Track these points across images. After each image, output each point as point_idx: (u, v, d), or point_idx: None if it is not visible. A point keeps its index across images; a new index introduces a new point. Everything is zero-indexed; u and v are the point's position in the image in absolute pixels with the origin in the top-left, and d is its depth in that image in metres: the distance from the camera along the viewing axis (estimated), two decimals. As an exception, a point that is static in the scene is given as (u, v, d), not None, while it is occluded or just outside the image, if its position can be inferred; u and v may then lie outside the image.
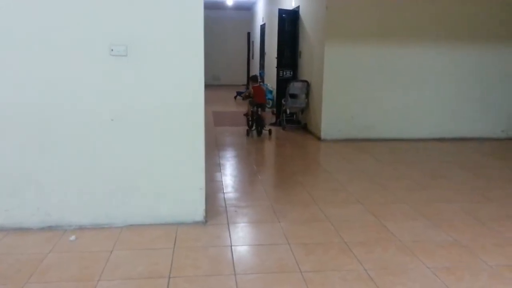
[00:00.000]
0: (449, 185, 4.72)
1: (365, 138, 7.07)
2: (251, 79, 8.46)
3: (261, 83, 12.49)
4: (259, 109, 7.52)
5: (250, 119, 7.70)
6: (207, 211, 3.58)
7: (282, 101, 8.19)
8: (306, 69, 8.15)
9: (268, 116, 9.51)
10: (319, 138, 7.14)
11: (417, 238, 3.33)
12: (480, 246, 3.20)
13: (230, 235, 3.35)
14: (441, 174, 5.19)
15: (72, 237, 3.22)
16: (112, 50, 3.22)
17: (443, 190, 4.55)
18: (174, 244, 3.16)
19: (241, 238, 3.36)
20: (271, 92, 11.00)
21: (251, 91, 7.80)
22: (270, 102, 10.90)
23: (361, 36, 6.90)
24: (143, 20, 3.25)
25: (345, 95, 7.03)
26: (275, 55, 9.05)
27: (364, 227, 3.52)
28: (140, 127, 3.37)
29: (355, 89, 7.03)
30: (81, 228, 3.38)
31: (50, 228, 3.36)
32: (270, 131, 7.65)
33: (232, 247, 3.16)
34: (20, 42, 3.15)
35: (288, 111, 8.18)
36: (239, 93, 12.94)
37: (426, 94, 7.17)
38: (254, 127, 7.63)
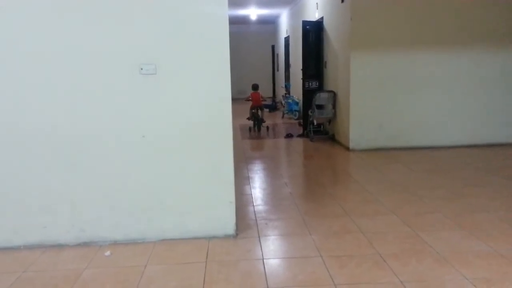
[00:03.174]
0: (483, 193, 4.58)
1: (394, 147, 6.96)
2: (252, 87, 9.92)
3: (287, 95, 12.53)
4: (258, 110, 9.39)
5: (251, 118, 9.48)
6: (237, 224, 3.59)
7: (309, 112, 8.18)
8: (332, 79, 8.12)
9: (295, 128, 9.52)
10: (347, 148, 7.07)
11: (454, 248, 3.24)
12: (521, 256, 3.09)
13: (261, 249, 3.34)
14: (475, 182, 5.05)
15: (107, 253, 3.27)
16: (141, 69, 3.30)
17: (477, 198, 4.42)
18: (206, 258, 3.17)
19: (272, 251, 3.34)
20: (297, 103, 11.01)
21: (250, 96, 9.65)
22: (297, 113, 10.90)
23: (386, 45, 6.84)
24: (171, 39, 3.32)
25: (372, 104, 6.96)
26: (300, 66, 9.06)
27: (398, 238, 3.45)
28: (169, 142, 3.43)
29: (382, 98, 6.96)
30: (115, 244, 3.44)
31: (85, 244, 3.43)
32: (268, 127, 9.56)
33: (264, 260, 3.14)
34: (52, 63, 3.27)
35: (315, 122, 8.16)
36: (265, 106, 12.99)
37: (454, 100, 7.02)
38: (256, 125, 9.38)
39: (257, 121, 9.38)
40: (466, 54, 6.94)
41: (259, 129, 9.37)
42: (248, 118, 9.70)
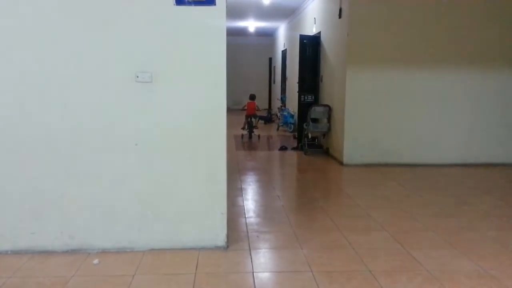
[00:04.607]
0: (475, 212, 4.59)
1: (388, 163, 6.98)
2: (249, 96, 10.54)
3: (283, 107, 12.57)
4: (251, 119, 10.03)
5: (245, 126, 10.12)
6: (228, 236, 3.56)
7: (304, 125, 8.19)
8: (328, 93, 8.16)
9: (290, 140, 9.54)
10: (341, 163, 7.08)
11: (444, 267, 3.23)
12: (509, 276, 3.08)
13: (251, 261, 3.31)
14: (467, 200, 5.06)
15: (95, 261, 3.24)
16: (137, 77, 3.29)
17: (469, 217, 4.43)
18: (196, 269, 3.14)
19: (262, 264, 3.32)
20: (292, 116, 11.04)
21: (246, 105, 10.31)
22: (292, 126, 10.94)
23: (382, 61, 6.90)
24: (168, 48, 3.33)
25: (367, 120, 7.00)
26: (297, 80, 9.11)
27: (389, 255, 3.44)
28: (162, 152, 3.41)
29: (377, 113, 6.99)
30: (104, 252, 3.40)
31: (73, 252, 3.39)
32: (259, 136, 10.07)
33: (254, 273, 3.12)
34: (47, 69, 3.26)
35: (309, 136, 8.17)
36: (260, 117, 13.03)
37: (449, 119, 7.07)
38: (247, 132, 10.03)
39: (250, 128, 10.05)
40: (462, 73, 7.01)
41: (250, 136, 10.01)
42: (243, 128, 10.21)
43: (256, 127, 10.24)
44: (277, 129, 11.84)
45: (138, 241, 3.45)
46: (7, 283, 2.92)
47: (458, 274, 3.11)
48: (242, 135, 10.12)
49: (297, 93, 8.88)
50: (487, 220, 4.34)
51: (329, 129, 7.90)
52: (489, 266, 3.24)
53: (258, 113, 10.57)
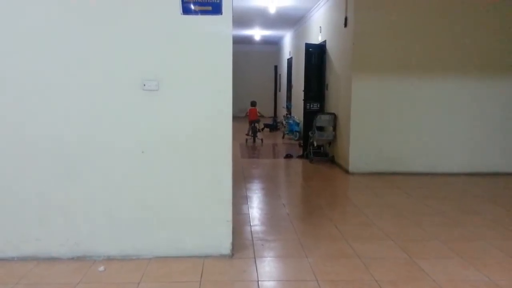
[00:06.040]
0: (482, 222, 4.56)
1: (394, 171, 6.95)
2: (250, 103, 11.27)
3: (288, 115, 12.59)
4: (254, 124, 10.71)
5: (249, 132, 10.80)
6: (233, 244, 3.56)
7: (309, 133, 8.20)
8: (333, 101, 8.17)
9: (295, 148, 9.54)
10: (347, 171, 7.06)
11: (451, 277, 3.20)
12: (518, 287, 3.06)
13: (257, 270, 3.30)
14: (474, 210, 5.03)
15: (101, 268, 3.24)
16: (144, 85, 3.32)
17: (476, 226, 4.40)
18: (201, 277, 3.13)
19: (268, 273, 3.30)
20: (298, 124, 11.05)
21: (248, 112, 11.03)
22: (297, 134, 10.94)
23: (388, 69, 6.90)
24: (174, 56, 3.35)
25: (373, 128, 6.98)
26: (302, 88, 9.12)
27: (395, 264, 3.42)
28: (168, 159, 3.42)
29: (383, 122, 6.99)
30: (109, 259, 3.40)
31: (79, 258, 3.40)
32: (262, 140, 10.73)
33: (259, 282, 3.11)
34: (55, 75, 3.29)
35: (315, 144, 8.17)
36: (266, 125, 13.06)
37: (455, 127, 7.05)
38: (251, 137, 10.74)
39: (254, 132, 10.73)
40: (469, 82, 6.99)
41: (254, 140, 10.72)
42: (247, 134, 10.86)
43: (259, 130, 10.85)
44: (283, 137, 11.85)
45: (143, 248, 3.45)
46: (13, 290, 2.93)
47: (464, 284, 3.08)
48: (247, 140, 10.68)
49: (303, 101, 8.89)
50: (493, 229, 4.30)
51: (335, 137, 7.89)
52: (496, 276, 3.21)
53: (263, 120, 10.97)
